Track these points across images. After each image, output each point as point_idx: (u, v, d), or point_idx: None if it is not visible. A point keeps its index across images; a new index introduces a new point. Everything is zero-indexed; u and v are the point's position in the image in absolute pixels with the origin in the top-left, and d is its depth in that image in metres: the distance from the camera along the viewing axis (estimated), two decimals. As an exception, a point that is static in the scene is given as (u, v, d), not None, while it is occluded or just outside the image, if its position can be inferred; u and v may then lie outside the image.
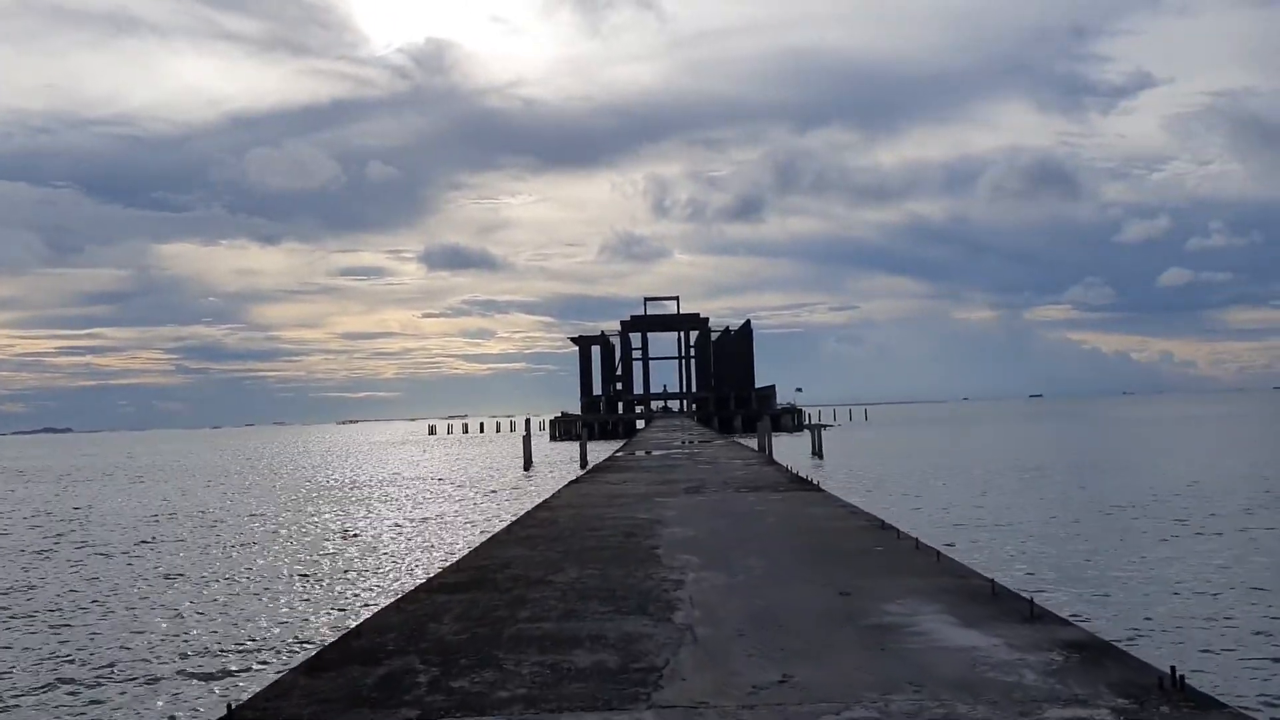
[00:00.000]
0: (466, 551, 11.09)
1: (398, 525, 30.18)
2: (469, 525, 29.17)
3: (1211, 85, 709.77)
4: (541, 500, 16.54)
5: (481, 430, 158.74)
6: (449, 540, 25.50)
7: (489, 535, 13.35)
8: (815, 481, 17.54)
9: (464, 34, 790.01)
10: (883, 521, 11.71)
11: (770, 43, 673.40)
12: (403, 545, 25.30)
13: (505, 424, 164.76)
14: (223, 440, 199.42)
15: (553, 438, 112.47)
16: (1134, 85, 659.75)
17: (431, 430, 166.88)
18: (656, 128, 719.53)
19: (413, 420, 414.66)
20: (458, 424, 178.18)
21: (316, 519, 33.01)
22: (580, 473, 29.21)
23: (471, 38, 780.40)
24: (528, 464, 58.97)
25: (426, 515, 32.74)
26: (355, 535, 27.83)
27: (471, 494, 40.46)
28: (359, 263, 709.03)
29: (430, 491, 42.89)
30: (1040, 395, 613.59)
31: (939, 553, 9.17)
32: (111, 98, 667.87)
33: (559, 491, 18.05)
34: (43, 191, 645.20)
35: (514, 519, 13.96)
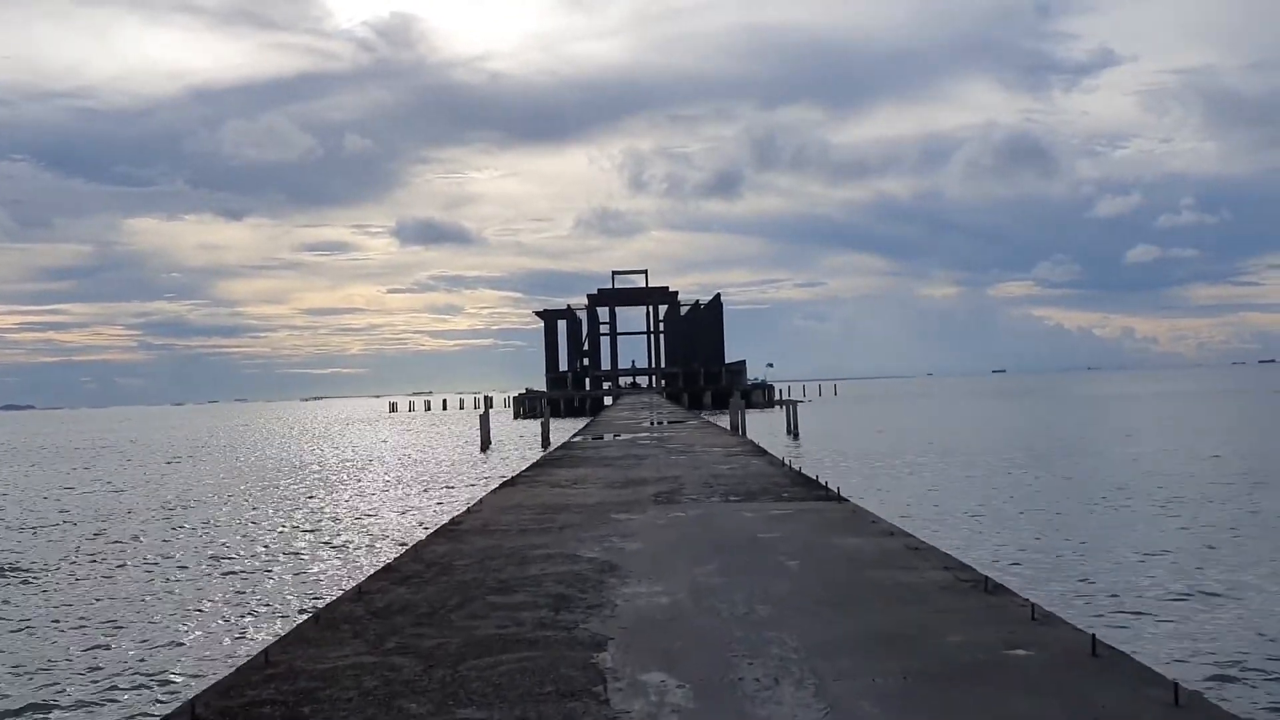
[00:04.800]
0: (253, 653, 6.27)
1: (229, 557, 19.53)
2: (345, 558, 19.05)
3: (1173, 63, 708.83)
4: (451, 518, 11.77)
5: (444, 407, 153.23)
6: (259, 611, 14.44)
7: (346, 591, 8.57)
8: (834, 487, 12.83)
9: (429, 7, 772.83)
10: (986, 579, 7.08)
11: (735, 19, 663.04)
12: (162, 629, 13.50)
13: (470, 401, 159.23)
14: (175, 418, 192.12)
15: (516, 415, 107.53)
16: (1097, 63, 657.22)
17: (393, 408, 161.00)
18: (623, 103, 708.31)
19: (377, 397, 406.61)
20: (420, 401, 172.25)
21: (93, 554, 20.83)
22: (537, 456, 24.44)
23: (437, 11, 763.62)
24: (485, 445, 54.13)
25: (302, 530, 23.35)
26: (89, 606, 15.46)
27: (397, 490, 32.46)
28: (324, 238, 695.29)
29: (345, 486, 34.76)
30: (1003, 371, 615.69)
31: (1177, 685, 4.53)
32: (72, 70, 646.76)
33: (481, 501, 13.26)
34: (1, 165, 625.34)
35: (386, 562, 9.22)
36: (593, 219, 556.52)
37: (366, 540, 21.33)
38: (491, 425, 59.29)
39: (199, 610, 14.81)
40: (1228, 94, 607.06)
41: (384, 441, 67.50)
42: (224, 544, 21.62)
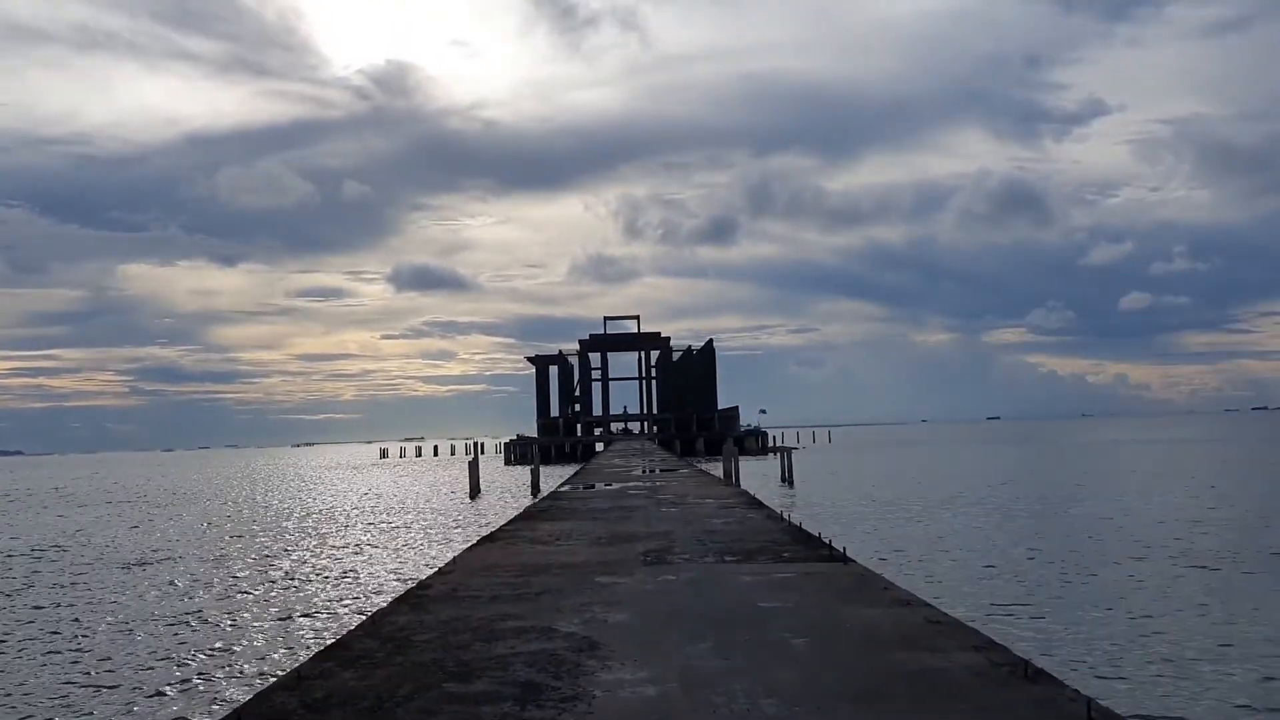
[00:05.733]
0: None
1: (161, 633, 17.24)
2: (292, 630, 17.06)
3: (1162, 113, 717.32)
4: (419, 581, 10.72)
5: (435, 453, 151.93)
6: (175, 702, 12.80)
7: (283, 676, 7.53)
8: (839, 546, 11.75)
9: (425, 57, 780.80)
10: (1027, 664, 6.08)
11: (727, 68, 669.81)
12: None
13: (461, 447, 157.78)
14: (161, 465, 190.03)
15: (507, 461, 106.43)
16: (1087, 112, 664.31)
17: (383, 454, 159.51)
18: (617, 151, 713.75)
19: (370, 443, 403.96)
20: (411, 447, 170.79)
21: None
22: (526, 504, 23.11)
23: (432, 60, 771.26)
24: (474, 492, 52.97)
25: (252, 594, 21.25)
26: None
27: (373, 544, 30.04)
28: (319, 284, 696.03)
29: (315, 540, 32.15)
30: (998, 417, 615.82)
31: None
32: (68, 116, 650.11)
33: (454, 560, 12.19)
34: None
35: (337, 636, 8.19)
36: (587, 265, 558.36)
37: (323, 607, 19.36)
38: (481, 472, 58.17)
39: (96, 699, 13.04)
40: (1218, 143, 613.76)
41: (369, 489, 66.16)
42: (154, 612, 19.54)
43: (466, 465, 58.72)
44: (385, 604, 9.17)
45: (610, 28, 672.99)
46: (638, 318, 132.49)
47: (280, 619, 18.32)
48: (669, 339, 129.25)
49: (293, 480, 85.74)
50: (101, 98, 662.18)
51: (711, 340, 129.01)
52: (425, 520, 38.74)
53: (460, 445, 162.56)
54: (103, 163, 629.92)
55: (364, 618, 8.55)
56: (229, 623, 18.17)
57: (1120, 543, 24.73)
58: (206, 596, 21.37)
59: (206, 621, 18.38)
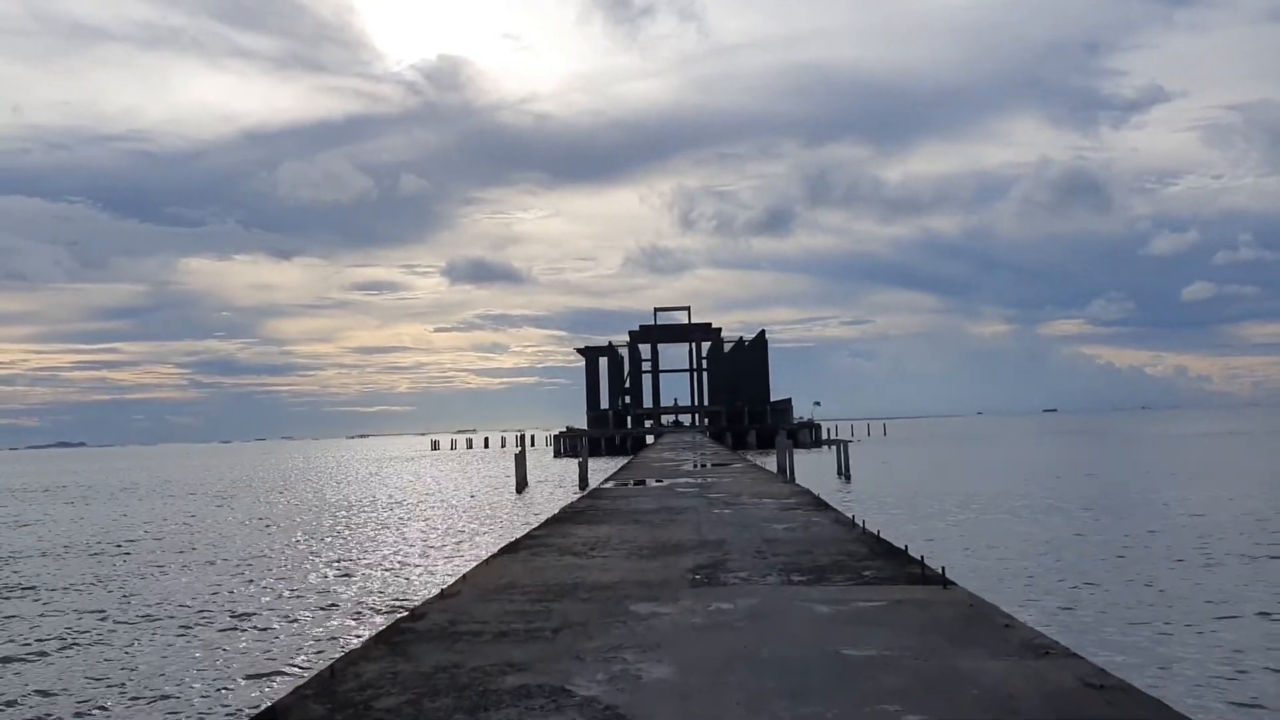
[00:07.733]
0: None
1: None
2: (242, 682, 12.44)
3: (1224, 99, 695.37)
4: (412, 609, 8.75)
5: (486, 445, 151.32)
6: None
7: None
8: (937, 567, 9.51)
9: (477, 51, 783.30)
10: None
11: (778, 58, 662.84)
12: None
13: (512, 439, 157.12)
14: (219, 456, 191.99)
15: (557, 454, 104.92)
16: (1146, 99, 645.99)
17: (435, 445, 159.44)
18: (668, 143, 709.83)
19: (423, 435, 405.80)
20: (463, 439, 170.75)
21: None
22: (572, 499, 21.04)
23: (484, 55, 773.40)
24: (521, 486, 51.30)
25: (218, 618, 17.01)
26: None
27: (400, 545, 27.13)
28: (373, 277, 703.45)
29: (335, 538, 29.86)
30: (1054, 410, 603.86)
31: None
32: (127, 114, 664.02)
33: (464, 577, 10.20)
34: (59, 207, 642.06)
35: (282, 693, 6.25)
36: (640, 257, 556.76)
37: (288, 642, 14.90)
38: (530, 465, 56.56)
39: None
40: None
41: (415, 482, 64.90)
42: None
43: (514, 458, 57.17)
44: (359, 643, 7.21)
45: (668, 18, 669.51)
46: (688, 309, 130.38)
47: (213, 673, 13.24)
48: (720, 330, 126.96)
49: (343, 473, 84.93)
50: (160, 95, 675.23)
51: (764, 331, 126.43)
52: (465, 517, 37.02)
53: (511, 437, 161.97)
54: (162, 159, 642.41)
55: (322, 667, 6.59)
56: (143, 683, 13.00)
57: (1245, 548, 22.07)
58: (139, 637, 16.04)
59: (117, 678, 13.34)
